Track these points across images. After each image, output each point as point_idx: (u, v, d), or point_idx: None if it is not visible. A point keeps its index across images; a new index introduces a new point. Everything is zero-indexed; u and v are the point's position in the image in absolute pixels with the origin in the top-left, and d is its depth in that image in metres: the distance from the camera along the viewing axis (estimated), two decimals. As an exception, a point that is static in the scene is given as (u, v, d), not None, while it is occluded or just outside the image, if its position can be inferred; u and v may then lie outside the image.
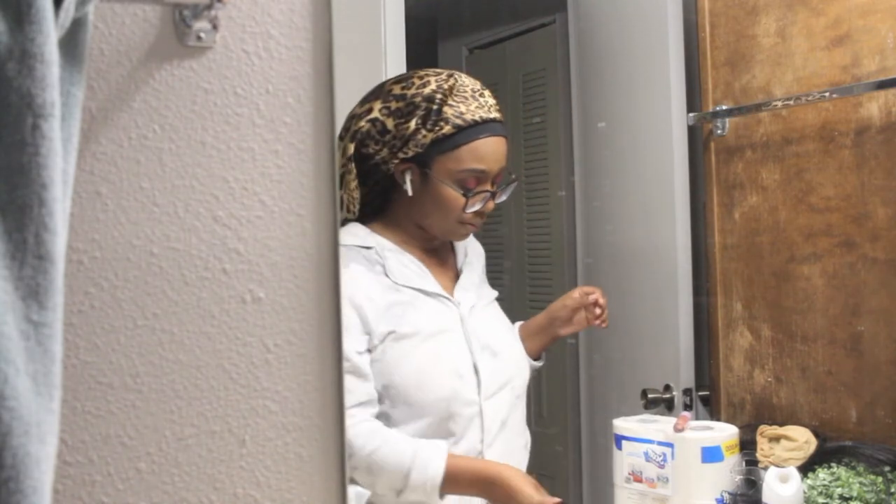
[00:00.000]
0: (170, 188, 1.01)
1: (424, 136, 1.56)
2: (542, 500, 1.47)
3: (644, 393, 2.11)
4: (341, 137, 1.61)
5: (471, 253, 1.76)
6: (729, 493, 1.62)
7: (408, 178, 1.59)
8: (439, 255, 1.70)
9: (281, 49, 1.06)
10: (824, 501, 1.57)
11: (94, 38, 0.97)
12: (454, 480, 1.50)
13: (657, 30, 2.13)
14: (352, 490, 1.36)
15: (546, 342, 1.81)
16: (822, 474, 1.62)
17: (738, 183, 2.01)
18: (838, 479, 1.60)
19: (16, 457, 0.60)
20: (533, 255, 2.92)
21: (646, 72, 2.20)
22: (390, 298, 1.58)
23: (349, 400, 1.40)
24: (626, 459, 1.72)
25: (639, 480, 1.70)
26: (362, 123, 1.59)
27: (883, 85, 1.70)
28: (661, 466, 1.66)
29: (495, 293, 1.78)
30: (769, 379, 1.95)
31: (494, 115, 1.60)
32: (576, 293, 1.78)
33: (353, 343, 1.52)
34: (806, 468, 1.66)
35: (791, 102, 1.87)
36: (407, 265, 1.62)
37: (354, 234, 1.62)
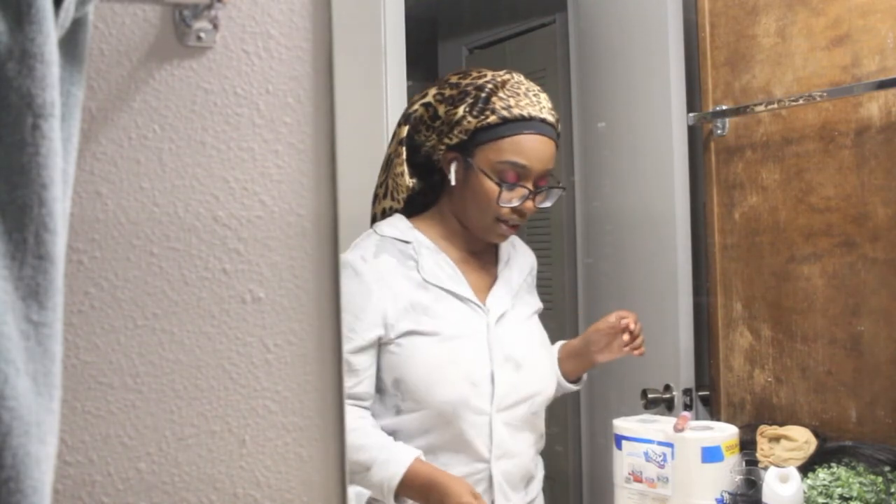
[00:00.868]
0: (170, 188, 1.01)
1: (469, 123, 1.57)
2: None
3: (644, 393, 2.11)
4: (399, 123, 1.66)
5: (516, 260, 1.73)
6: (729, 493, 1.61)
7: (452, 167, 1.60)
8: (480, 259, 1.68)
9: (281, 49, 1.06)
10: (824, 501, 1.57)
11: (94, 38, 0.97)
12: (410, 485, 1.49)
13: (657, 30, 2.13)
14: (352, 490, 1.36)
15: (583, 366, 1.77)
16: (822, 474, 1.62)
17: (738, 183, 2.01)
18: (838, 479, 1.60)
19: (16, 457, 0.60)
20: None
21: (646, 72, 2.20)
22: (416, 296, 1.58)
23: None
24: (626, 459, 1.72)
25: (639, 480, 1.70)
26: (416, 107, 1.62)
27: (883, 85, 1.70)
28: (661, 466, 1.66)
29: (539, 305, 1.75)
30: (769, 379, 1.95)
31: (546, 116, 1.60)
32: (612, 317, 1.71)
33: (362, 332, 1.53)
34: (806, 468, 1.66)
35: (791, 102, 1.87)
36: (441, 265, 1.62)
37: (395, 227, 1.64)
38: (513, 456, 1.61)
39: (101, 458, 0.99)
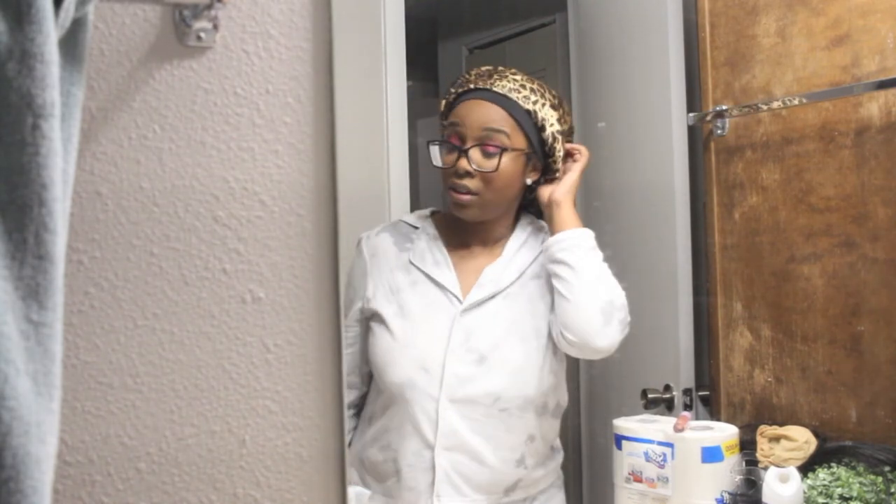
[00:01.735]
0: (170, 188, 1.01)
1: (441, 107, 1.69)
2: None
3: (644, 393, 2.11)
4: None
5: (521, 248, 1.67)
6: (729, 493, 1.61)
7: None
8: (484, 254, 1.67)
9: (281, 49, 1.06)
10: (824, 501, 1.57)
11: (94, 38, 0.97)
12: None
13: (657, 30, 2.13)
14: (352, 490, 1.35)
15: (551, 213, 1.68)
16: (822, 474, 1.62)
17: (738, 183, 2.01)
18: (838, 479, 1.60)
19: (16, 457, 0.60)
20: (533, 255, 2.91)
21: (646, 72, 2.20)
22: (397, 276, 1.62)
23: None
24: (626, 459, 1.72)
25: (639, 480, 1.70)
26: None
27: (883, 85, 1.70)
28: (661, 466, 1.66)
29: (547, 289, 1.65)
30: (769, 379, 1.95)
31: (489, 86, 1.65)
32: None
33: (347, 303, 1.59)
34: (806, 468, 1.65)
35: (791, 102, 1.87)
36: (432, 251, 1.65)
37: (417, 215, 1.71)
38: (470, 453, 1.57)
39: (101, 458, 0.99)
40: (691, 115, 2.08)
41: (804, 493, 1.58)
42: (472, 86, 1.65)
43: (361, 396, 1.69)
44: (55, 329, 0.66)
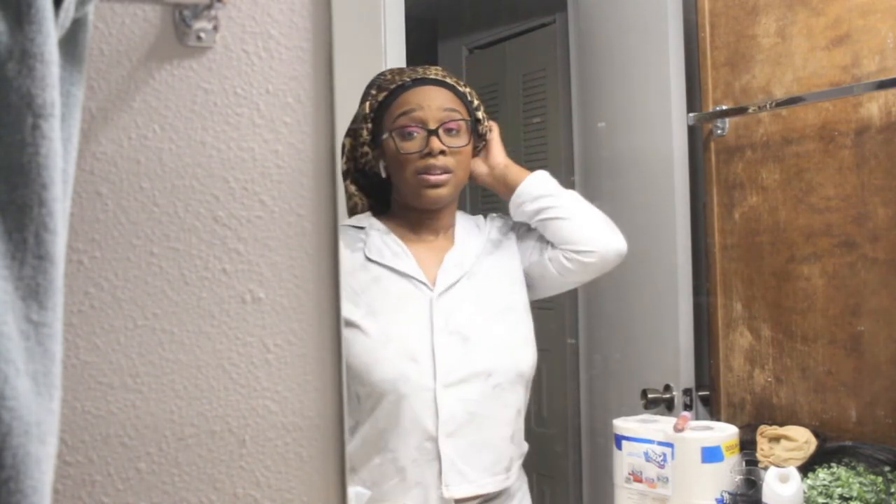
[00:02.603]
0: (170, 188, 1.01)
1: (365, 108, 1.65)
2: None
3: (644, 393, 2.11)
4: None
5: (472, 231, 1.71)
6: (729, 493, 1.61)
7: (381, 163, 1.66)
8: (437, 239, 1.68)
9: (281, 49, 1.06)
10: (824, 501, 1.57)
11: (94, 38, 0.97)
12: None
13: (657, 30, 2.13)
14: (352, 490, 1.35)
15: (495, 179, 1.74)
16: (822, 474, 1.62)
17: (738, 183, 2.01)
18: (838, 479, 1.60)
19: (16, 457, 0.60)
20: (533, 255, 2.91)
21: (646, 72, 2.20)
22: (357, 277, 1.60)
23: None
24: (626, 459, 1.72)
25: (639, 480, 1.70)
26: (345, 139, 1.68)
27: (883, 85, 1.70)
28: (661, 466, 1.66)
29: (513, 270, 1.70)
30: (769, 379, 1.95)
31: (429, 75, 1.66)
32: None
33: None
34: (806, 468, 1.65)
35: (791, 102, 1.87)
36: (388, 244, 1.64)
37: (356, 218, 1.68)
38: (470, 435, 1.58)
39: (101, 458, 0.99)
40: (691, 115, 2.08)
41: (804, 493, 1.58)
42: (407, 78, 1.65)
43: None
44: (55, 329, 0.66)
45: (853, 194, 1.78)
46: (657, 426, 1.71)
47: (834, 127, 1.81)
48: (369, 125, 1.65)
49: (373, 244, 1.64)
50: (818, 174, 1.84)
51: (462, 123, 1.64)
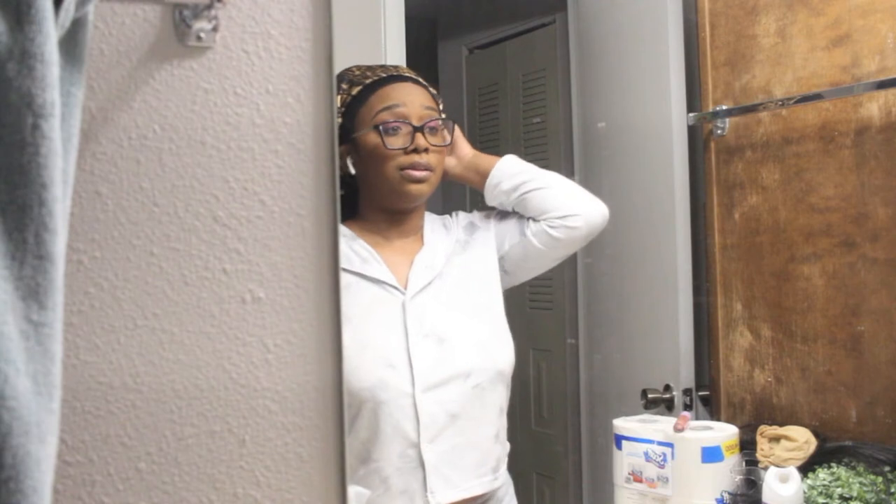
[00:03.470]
0: (170, 188, 1.01)
1: (337, 104, 1.62)
2: None
3: (644, 393, 2.11)
4: None
5: (440, 232, 1.70)
6: (729, 493, 1.62)
7: (348, 160, 1.63)
8: (405, 240, 1.67)
9: (281, 49, 1.06)
10: (824, 501, 1.57)
11: (94, 38, 0.97)
12: None
13: (657, 30, 2.13)
14: (352, 490, 1.35)
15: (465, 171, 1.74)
16: (822, 474, 1.62)
17: (738, 183, 2.01)
18: (838, 479, 1.60)
19: (16, 457, 0.60)
20: (533, 255, 2.91)
21: (646, 72, 2.20)
22: None
23: None
24: (626, 459, 1.72)
25: (639, 480, 1.70)
26: None
27: (883, 85, 1.70)
28: (662, 466, 1.66)
29: (491, 257, 1.70)
30: (769, 379, 1.95)
31: (402, 73, 1.66)
32: None
33: None
34: (806, 468, 1.66)
35: (791, 102, 1.87)
36: (356, 251, 1.62)
37: None
38: (453, 438, 1.56)
39: (101, 457, 0.99)
40: (691, 115, 2.08)
41: (804, 493, 1.58)
42: (382, 74, 1.64)
43: None
44: (55, 329, 0.66)
45: (853, 194, 1.78)
46: (657, 426, 1.71)
47: (834, 127, 1.81)
48: (339, 120, 1.64)
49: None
50: (818, 174, 1.84)
51: (441, 123, 1.65)
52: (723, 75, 2.04)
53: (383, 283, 1.60)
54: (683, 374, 2.10)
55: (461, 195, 2.76)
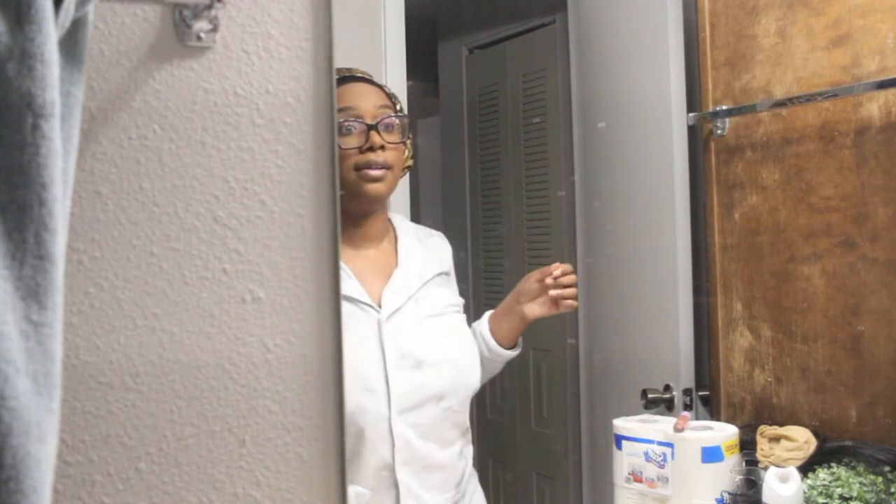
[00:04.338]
0: (170, 188, 1.01)
1: None
2: None
3: (644, 393, 2.11)
4: None
5: (419, 254, 1.69)
6: (729, 493, 1.61)
7: None
8: (377, 255, 1.65)
9: (281, 49, 1.06)
10: (824, 501, 1.57)
11: (94, 38, 0.97)
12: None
13: (657, 30, 2.13)
14: (351, 490, 1.35)
15: (514, 324, 1.73)
16: (822, 474, 1.62)
17: (737, 183, 2.01)
18: (838, 479, 1.60)
19: (16, 457, 0.60)
20: (533, 255, 2.92)
21: (646, 72, 2.20)
22: None
23: None
24: (626, 459, 1.72)
25: (639, 480, 1.70)
26: None
27: (883, 85, 1.70)
28: (661, 466, 1.66)
29: (457, 301, 1.71)
30: (769, 379, 1.95)
31: (355, 73, 1.66)
32: (542, 270, 1.73)
33: None
34: (806, 468, 1.65)
35: (791, 102, 1.87)
36: None
37: None
38: (424, 459, 1.56)
39: (101, 457, 0.99)
40: (691, 115, 2.08)
41: (804, 493, 1.58)
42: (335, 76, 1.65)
43: None
44: (55, 329, 0.66)
45: (853, 194, 1.78)
46: (657, 426, 1.71)
47: (834, 127, 1.81)
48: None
49: None
50: (818, 174, 1.84)
51: (397, 121, 1.64)
52: (723, 75, 2.04)
53: (357, 301, 1.57)
54: (683, 374, 2.09)
55: (462, 196, 2.76)
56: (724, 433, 1.68)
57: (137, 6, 0.99)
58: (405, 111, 1.72)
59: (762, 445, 1.74)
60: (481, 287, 2.87)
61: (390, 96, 1.68)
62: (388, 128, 1.62)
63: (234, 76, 1.04)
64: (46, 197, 0.65)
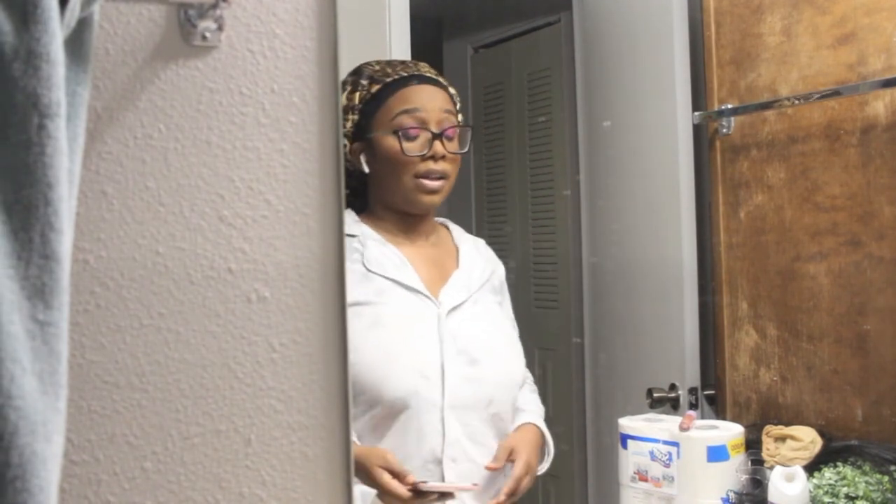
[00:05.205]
0: (175, 187, 1.01)
1: (353, 100, 1.61)
2: (389, 485, 1.40)
3: (649, 392, 2.10)
4: None
5: (477, 262, 1.69)
6: (734, 493, 1.61)
7: (362, 158, 1.62)
8: (435, 254, 1.66)
9: (286, 48, 1.06)
10: (830, 501, 1.57)
11: (99, 38, 0.97)
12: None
13: (662, 29, 2.13)
14: (357, 489, 1.35)
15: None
16: (828, 473, 1.61)
17: (743, 182, 2.01)
18: (844, 478, 1.59)
19: (22, 456, 0.60)
20: (538, 254, 2.92)
21: (651, 71, 2.20)
22: (358, 290, 1.53)
23: None
24: (631, 458, 1.72)
25: (644, 480, 1.69)
26: None
27: (889, 83, 1.70)
28: (667, 465, 1.66)
29: (508, 313, 1.72)
30: (775, 378, 1.94)
31: (424, 72, 1.63)
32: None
33: None
34: (812, 467, 1.65)
35: (797, 101, 1.86)
36: (388, 255, 1.59)
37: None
38: (472, 461, 1.54)
39: (106, 457, 0.99)
40: (696, 113, 2.08)
41: (810, 492, 1.57)
42: (403, 73, 1.61)
43: None
44: (61, 328, 0.66)
45: (859, 193, 1.77)
46: (663, 425, 1.70)
47: (839, 125, 1.81)
48: (355, 117, 1.61)
49: (371, 255, 1.58)
50: (824, 173, 1.84)
51: (458, 130, 1.62)
52: (728, 74, 2.04)
53: (418, 292, 1.58)
54: (689, 373, 2.09)
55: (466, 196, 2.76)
56: (730, 432, 1.68)
57: (142, 6, 1.00)
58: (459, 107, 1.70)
59: (768, 445, 1.74)
60: (486, 286, 2.86)
61: (454, 99, 1.66)
62: (448, 137, 1.60)
63: (239, 76, 1.04)
64: (52, 196, 0.65)
